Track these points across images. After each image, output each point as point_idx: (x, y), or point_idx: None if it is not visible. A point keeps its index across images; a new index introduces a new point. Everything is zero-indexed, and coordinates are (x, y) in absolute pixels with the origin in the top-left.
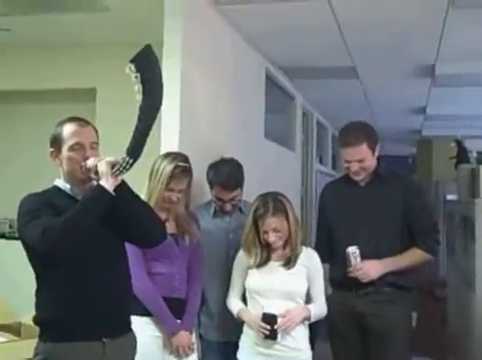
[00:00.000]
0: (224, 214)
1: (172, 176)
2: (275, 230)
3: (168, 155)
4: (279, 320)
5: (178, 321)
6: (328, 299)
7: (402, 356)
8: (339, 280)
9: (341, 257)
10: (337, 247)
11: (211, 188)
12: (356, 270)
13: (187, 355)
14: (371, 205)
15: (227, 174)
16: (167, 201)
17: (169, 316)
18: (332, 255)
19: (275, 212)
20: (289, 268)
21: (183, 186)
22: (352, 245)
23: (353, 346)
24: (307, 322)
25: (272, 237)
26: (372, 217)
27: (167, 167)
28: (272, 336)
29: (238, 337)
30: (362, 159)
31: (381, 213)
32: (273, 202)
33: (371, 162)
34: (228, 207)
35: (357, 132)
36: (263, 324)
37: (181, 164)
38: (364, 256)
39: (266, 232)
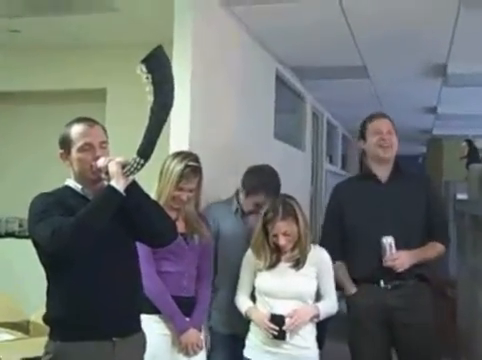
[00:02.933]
0: (246, 214)
1: (182, 175)
2: (285, 234)
3: (178, 154)
4: (287, 320)
5: (187, 319)
6: (354, 296)
7: (433, 346)
8: (365, 275)
9: (368, 253)
10: (363, 243)
11: (248, 194)
12: (392, 260)
13: (195, 353)
14: (394, 200)
15: (277, 185)
16: (177, 201)
17: (178, 314)
18: (346, 253)
19: (285, 216)
20: (299, 269)
21: (193, 185)
22: (386, 236)
23: (378, 341)
24: (316, 320)
25: (282, 241)
26: (396, 211)
27: (177, 167)
28: (281, 336)
29: (246, 331)
30: (391, 131)
31: (405, 208)
32: (283, 206)
33: (396, 142)
34: (257, 210)
35: (384, 114)
36: (272, 325)
37: (191, 163)
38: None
39: (276, 235)
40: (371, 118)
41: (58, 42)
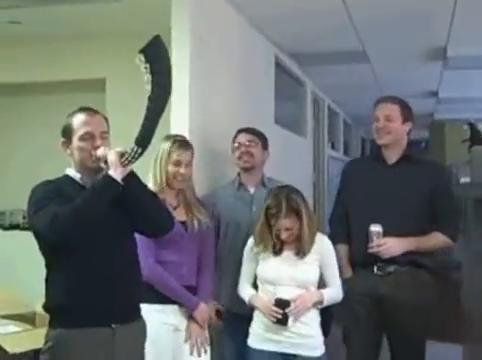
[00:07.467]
0: (247, 181)
1: (172, 148)
2: (288, 229)
3: (166, 136)
4: (292, 304)
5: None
6: (349, 281)
7: (423, 333)
8: (360, 260)
9: (362, 236)
10: (358, 225)
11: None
12: (378, 246)
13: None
14: (397, 184)
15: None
16: (177, 177)
17: (184, 293)
18: (349, 235)
19: (288, 213)
20: (301, 258)
21: (187, 158)
22: (375, 223)
23: (367, 328)
24: (319, 306)
25: (284, 235)
26: (397, 197)
27: (166, 144)
28: (283, 321)
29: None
30: (389, 116)
31: (406, 193)
32: (286, 201)
33: (398, 128)
34: (245, 156)
35: (393, 97)
36: (275, 308)
37: (178, 138)
38: (387, 235)
39: (279, 230)
40: (375, 103)
41: (58, 33)
